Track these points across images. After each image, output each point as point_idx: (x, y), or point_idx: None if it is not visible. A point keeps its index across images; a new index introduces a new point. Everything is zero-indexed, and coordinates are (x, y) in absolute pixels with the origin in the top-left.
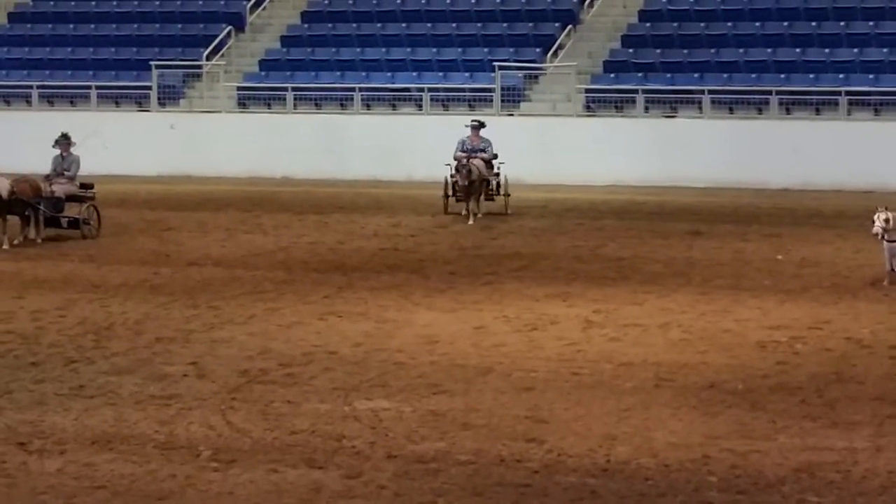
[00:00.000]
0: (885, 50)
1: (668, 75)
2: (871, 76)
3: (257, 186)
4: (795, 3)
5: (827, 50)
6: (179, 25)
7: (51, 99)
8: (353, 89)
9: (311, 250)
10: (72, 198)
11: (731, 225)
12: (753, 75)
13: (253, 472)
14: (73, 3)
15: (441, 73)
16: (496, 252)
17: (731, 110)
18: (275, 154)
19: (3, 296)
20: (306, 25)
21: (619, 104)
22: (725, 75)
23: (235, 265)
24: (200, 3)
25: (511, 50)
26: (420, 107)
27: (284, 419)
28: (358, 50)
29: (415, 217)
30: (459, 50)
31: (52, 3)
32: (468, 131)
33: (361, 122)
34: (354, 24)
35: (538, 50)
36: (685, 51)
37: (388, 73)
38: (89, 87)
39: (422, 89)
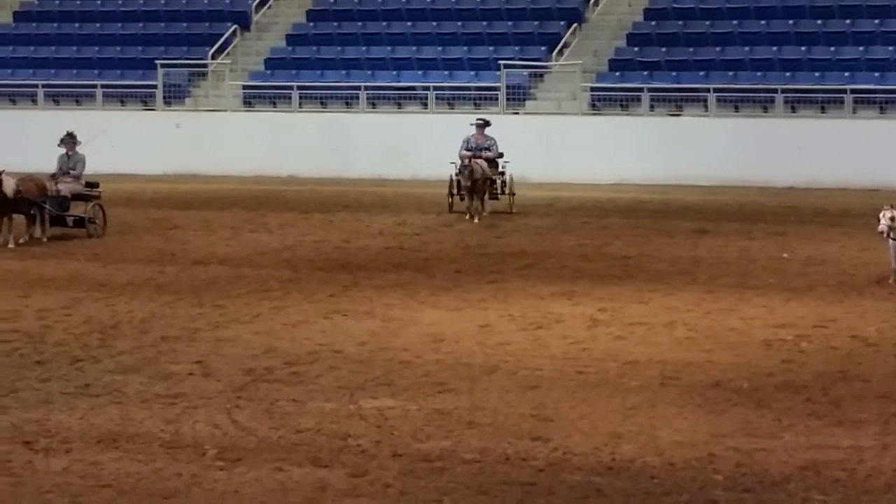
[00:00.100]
0: (890, 48)
1: (674, 74)
2: (876, 74)
3: (263, 185)
4: (801, 1)
5: (832, 48)
6: (185, 24)
7: (56, 98)
8: (358, 88)
9: (317, 249)
10: (77, 196)
11: (737, 223)
12: (759, 73)
13: (258, 470)
14: (78, 2)
15: (446, 72)
16: (501, 250)
17: (736, 109)
18: (280, 153)
19: (8, 295)
20: (312, 24)
21: (624, 102)
22: (731, 73)
23: (241, 264)
24: (206, 1)
25: (516, 48)
26: (425, 105)
27: (290, 418)
28: (363, 49)
29: (420, 216)
30: (465, 49)
31: (57, 2)
32: (473, 130)
33: (367, 121)
34: (360, 23)
35: (543, 48)
36: (690, 49)
37: (394, 72)
38: (95, 86)
39: (427, 88)
